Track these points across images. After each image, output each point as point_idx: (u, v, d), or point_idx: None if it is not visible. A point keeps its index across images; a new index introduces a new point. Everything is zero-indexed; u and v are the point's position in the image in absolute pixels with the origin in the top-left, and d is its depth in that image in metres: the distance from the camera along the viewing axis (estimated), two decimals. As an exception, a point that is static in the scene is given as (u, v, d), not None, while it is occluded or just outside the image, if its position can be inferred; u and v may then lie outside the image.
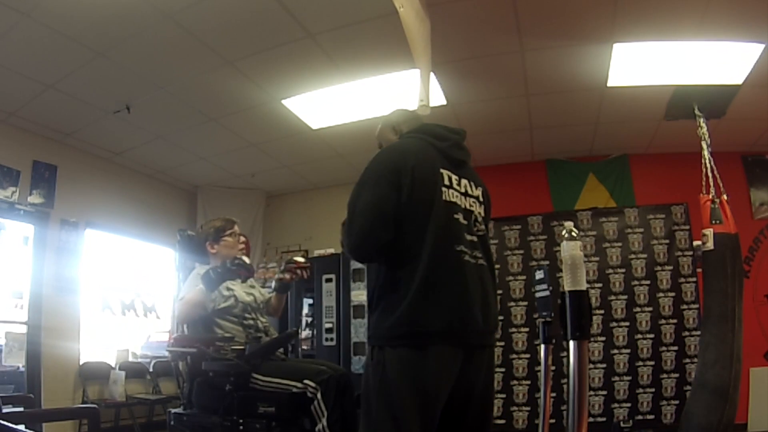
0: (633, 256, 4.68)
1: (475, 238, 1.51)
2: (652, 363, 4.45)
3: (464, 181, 1.57)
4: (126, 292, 5.35)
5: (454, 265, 1.41)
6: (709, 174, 3.51)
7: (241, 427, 2.04)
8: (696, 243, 4.41)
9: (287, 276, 2.50)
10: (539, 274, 2.05)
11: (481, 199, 1.61)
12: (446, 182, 1.50)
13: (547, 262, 4.70)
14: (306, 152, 4.91)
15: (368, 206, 1.41)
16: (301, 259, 2.56)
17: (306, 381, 2.06)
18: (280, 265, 2.72)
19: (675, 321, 4.49)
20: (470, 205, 1.54)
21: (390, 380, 1.34)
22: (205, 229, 2.56)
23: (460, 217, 1.48)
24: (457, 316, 1.38)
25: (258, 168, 5.39)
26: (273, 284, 2.59)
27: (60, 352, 4.22)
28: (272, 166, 5.32)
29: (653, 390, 4.41)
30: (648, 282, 4.60)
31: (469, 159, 1.65)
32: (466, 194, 1.55)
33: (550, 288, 1.97)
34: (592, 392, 4.43)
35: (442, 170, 1.51)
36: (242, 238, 2.54)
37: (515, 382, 4.72)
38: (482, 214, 1.60)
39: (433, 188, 1.46)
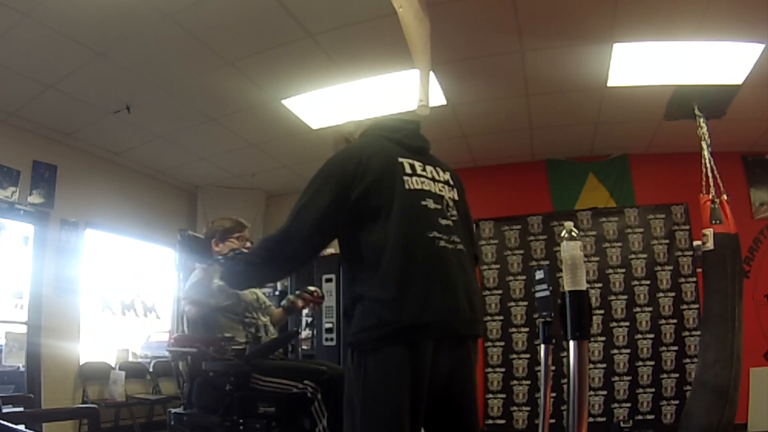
0: (633, 256, 4.68)
1: (450, 223, 1.45)
2: (652, 363, 4.45)
3: (429, 167, 1.52)
4: (126, 292, 5.35)
5: (431, 253, 1.37)
6: (709, 174, 3.50)
7: (241, 427, 2.04)
8: (696, 243, 4.41)
9: (300, 303, 2.51)
10: (539, 274, 2.06)
11: (451, 182, 1.56)
12: (408, 171, 1.45)
13: (547, 262, 4.70)
14: (306, 152, 4.90)
15: (306, 212, 1.38)
16: (315, 289, 2.56)
17: (306, 381, 2.06)
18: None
19: (675, 321, 4.49)
20: (440, 190, 1.49)
21: (375, 382, 1.28)
22: (215, 225, 2.53)
23: (429, 202, 1.43)
24: (443, 305, 1.34)
25: (258, 168, 5.39)
26: (283, 302, 2.59)
27: (60, 352, 4.22)
28: (272, 166, 5.32)
29: (653, 390, 4.41)
30: (648, 282, 4.60)
31: (428, 146, 1.61)
32: (434, 179, 1.50)
33: (550, 288, 1.97)
34: (592, 392, 4.43)
35: (401, 159, 1.46)
36: (248, 244, 2.50)
37: (515, 382, 4.73)
38: (455, 198, 1.54)
39: (392, 179, 1.41)
